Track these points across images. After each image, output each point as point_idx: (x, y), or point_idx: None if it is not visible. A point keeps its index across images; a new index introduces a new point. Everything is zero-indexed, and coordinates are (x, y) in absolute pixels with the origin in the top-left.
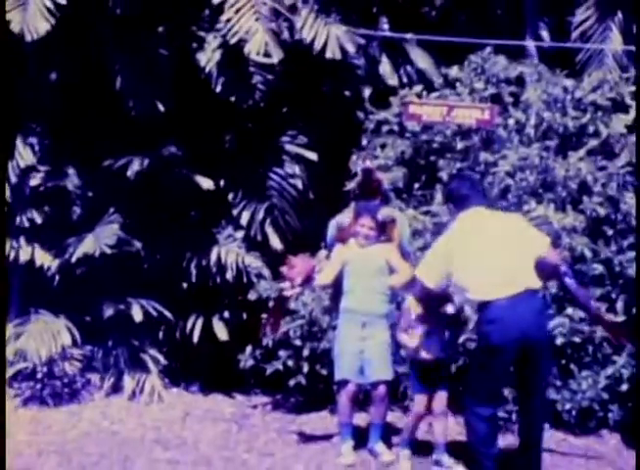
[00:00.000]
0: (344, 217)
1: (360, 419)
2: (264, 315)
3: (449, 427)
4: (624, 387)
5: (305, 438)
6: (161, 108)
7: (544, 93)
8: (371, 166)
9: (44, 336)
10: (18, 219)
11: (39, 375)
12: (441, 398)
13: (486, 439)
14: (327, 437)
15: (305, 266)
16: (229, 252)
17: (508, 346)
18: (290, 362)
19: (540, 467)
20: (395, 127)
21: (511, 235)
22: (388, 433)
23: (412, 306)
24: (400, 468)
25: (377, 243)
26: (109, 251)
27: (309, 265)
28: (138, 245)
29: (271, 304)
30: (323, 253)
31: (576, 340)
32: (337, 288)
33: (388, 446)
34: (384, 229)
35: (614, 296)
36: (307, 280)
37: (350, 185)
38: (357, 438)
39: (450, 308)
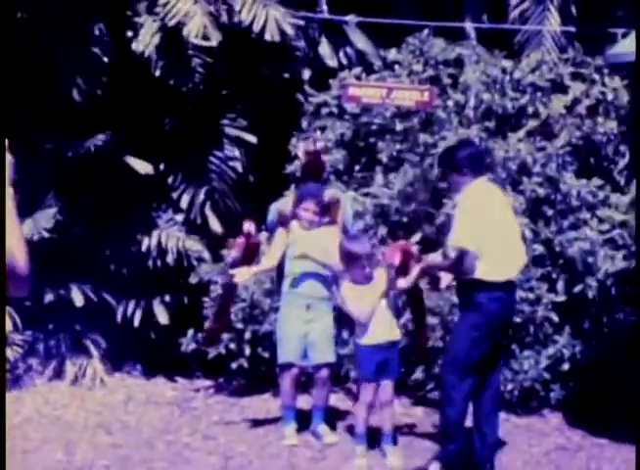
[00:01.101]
0: (286, 203)
1: (303, 402)
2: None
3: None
4: (566, 366)
5: (248, 421)
6: (100, 92)
7: (483, 74)
8: (318, 149)
9: None
10: None
11: None
12: (387, 386)
13: (464, 416)
14: (270, 420)
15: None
16: (170, 235)
17: (503, 324)
18: (232, 345)
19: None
20: (335, 110)
21: (511, 212)
22: (330, 415)
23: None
24: (356, 466)
25: (320, 226)
26: (47, 235)
27: (255, 242)
28: (77, 229)
29: (214, 308)
30: (264, 235)
31: (517, 320)
32: (278, 271)
33: (331, 428)
34: (327, 212)
35: (554, 276)
36: (252, 256)
37: (290, 168)
38: (300, 420)
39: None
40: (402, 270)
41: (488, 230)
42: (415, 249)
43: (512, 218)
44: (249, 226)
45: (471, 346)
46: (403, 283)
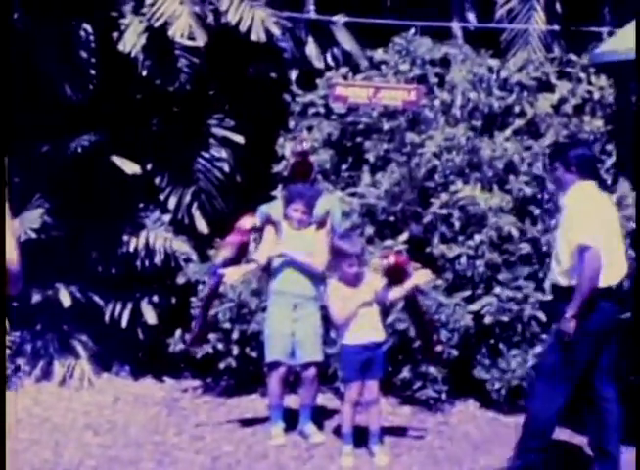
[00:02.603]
0: (274, 205)
1: (291, 401)
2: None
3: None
4: None
5: (236, 421)
6: (86, 93)
7: (469, 73)
8: (307, 149)
9: None
10: None
11: None
12: (373, 386)
13: (552, 428)
14: (257, 419)
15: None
16: (157, 236)
17: (603, 334)
18: (219, 345)
19: None
20: (322, 109)
21: (617, 220)
22: (318, 414)
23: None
24: (343, 465)
25: (309, 226)
26: (34, 235)
27: (245, 239)
28: (65, 230)
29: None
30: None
31: (505, 319)
32: (265, 270)
33: (319, 428)
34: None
35: (541, 275)
36: (243, 256)
37: (278, 168)
38: (288, 420)
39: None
40: (395, 281)
41: (600, 232)
42: (411, 266)
43: (617, 226)
44: (246, 223)
45: (565, 357)
46: (395, 294)
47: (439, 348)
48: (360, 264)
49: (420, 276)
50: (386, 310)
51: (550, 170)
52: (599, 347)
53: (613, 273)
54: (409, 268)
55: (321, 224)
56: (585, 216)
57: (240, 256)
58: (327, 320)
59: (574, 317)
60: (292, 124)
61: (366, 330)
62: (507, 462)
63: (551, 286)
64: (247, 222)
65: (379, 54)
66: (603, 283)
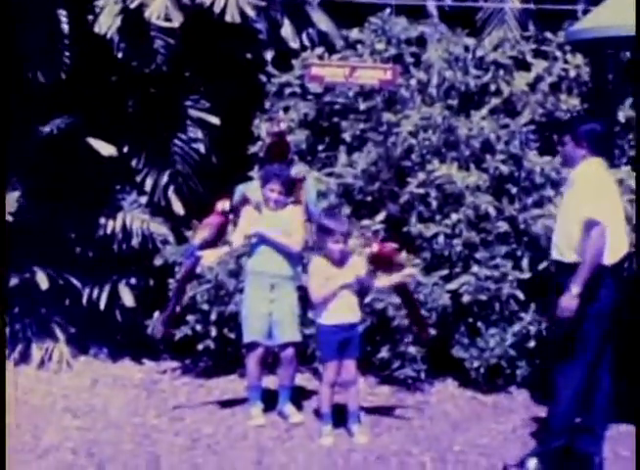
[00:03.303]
0: (252, 186)
1: (269, 382)
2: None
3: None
4: (532, 343)
5: (215, 402)
6: (62, 74)
7: (445, 52)
8: (283, 129)
9: None
10: None
11: None
12: (350, 366)
13: (574, 413)
14: (236, 400)
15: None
16: (134, 218)
17: (612, 314)
18: (198, 327)
19: None
20: (298, 90)
21: (619, 199)
22: (296, 395)
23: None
24: (322, 445)
25: (285, 206)
26: (11, 218)
27: (223, 220)
28: (41, 212)
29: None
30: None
31: (483, 298)
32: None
33: (298, 408)
34: (292, 192)
35: (519, 253)
36: (220, 237)
37: (254, 148)
38: (267, 400)
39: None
40: (380, 268)
41: (607, 209)
42: (401, 257)
43: (620, 204)
44: (223, 205)
45: (580, 339)
46: (384, 281)
47: (431, 330)
48: (346, 243)
49: (407, 274)
50: (364, 291)
51: (559, 145)
52: (605, 327)
53: (615, 251)
54: (396, 258)
55: (295, 202)
56: (594, 192)
57: (218, 237)
58: (305, 300)
59: (579, 295)
60: (268, 105)
61: (343, 311)
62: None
63: (554, 262)
64: (225, 204)
65: (354, 34)
66: (606, 261)
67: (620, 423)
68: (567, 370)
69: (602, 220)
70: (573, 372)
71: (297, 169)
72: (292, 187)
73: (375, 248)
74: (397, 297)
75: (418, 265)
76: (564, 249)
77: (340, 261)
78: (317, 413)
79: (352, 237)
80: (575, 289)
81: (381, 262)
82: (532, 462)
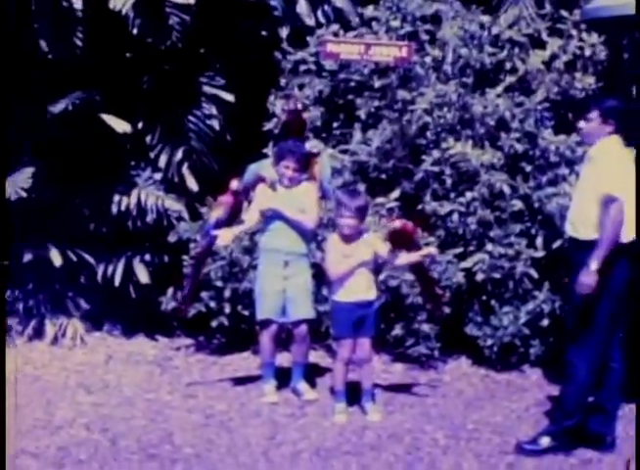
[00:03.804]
0: (264, 165)
1: (283, 359)
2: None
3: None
4: (545, 322)
5: (228, 379)
6: (76, 50)
7: (461, 30)
8: (299, 107)
9: None
10: None
11: None
12: (365, 344)
13: (588, 393)
14: (250, 377)
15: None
16: (149, 195)
17: (626, 291)
18: (212, 304)
19: None
20: (313, 67)
21: (633, 174)
22: (310, 372)
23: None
24: (336, 422)
25: (300, 183)
26: (25, 195)
27: (237, 199)
28: (55, 189)
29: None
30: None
31: (497, 276)
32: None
33: (311, 385)
34: (306, 169)
35: (533, 232)
36: (236, 216)
37: (268, 125)
38: (280, 378)
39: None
40: (398, 246)
41: (624, 186)
42: (418, 234)
43: (634, 183)
44: (236, 184)
45: (595, 317)
46: (403, 260)
47: (445, 308)
48: (360, 220)
49: (426, 253)
50: (378, 268)
51: (584, 120)
52: (618, 305)
53: (631, 229)
54: (416, 236)
55: (310, 179)
56: (615, 169)
57: (232, 216)
58: (318, 277)
59: (598, 271)
60: (283, 82)
61: (360, 288)
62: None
63: (569, 239)
64: (239, 183)
65: (370, 11)
66: (623, 238)
67: (632, 402)
68: (581, 349)
69: (620, 197)
70: (587, 351)
71: (312, 145)
72: (306, 164)
73: (398, 224)
74: (412, 274)
75: (432, 243)
76: (579, 226)
77: (353, 237)
78: (331, 391)
79: (369, 213)
80: (594, 265)
81: (400, 240)
82: (545, 440)
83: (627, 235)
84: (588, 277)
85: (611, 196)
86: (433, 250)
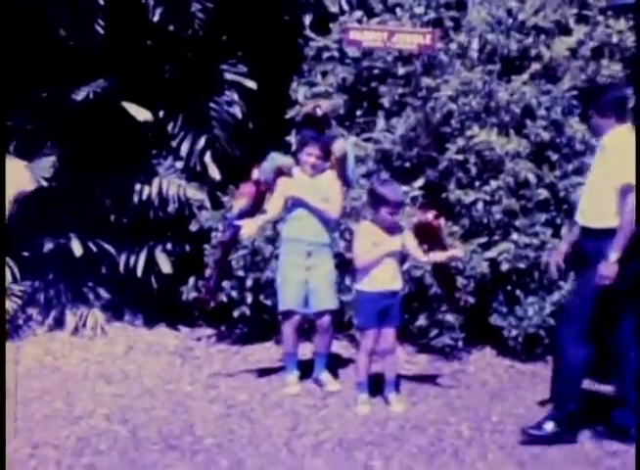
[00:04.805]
0: (284, 157)
1: (306, 349)
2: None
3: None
4: None
5: (250, 369)
6: (97, 38)
7: (488, 15)
8: (322, 114)
9: None
10: None
11: None
12: (389, 334)
13: (582, 375)
14: (272, 368)
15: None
16: (170, 183)
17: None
18: (233, 293)
19: None
20: (336, 54)
21: None
22: (333, 363)
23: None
24: (359, 413)
25: (324, 171)
26: (46, 184)
27: (260, 189)
28: (76, 178)
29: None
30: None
31: (522, 266)
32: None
33: (334, 376)
34: (329, 156)
35: (558, 221)
36: (259, 206)
37: (291, 113)
38: (303, 368)
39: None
40: (421, 238)
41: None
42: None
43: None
44: (257, 173)
45: (594, 302)
46: (430, 258)
47: (469, 298)
48: (399, 214)
49: (452, 255)
50: (403, 258)
51: (588, 117)
52: (631, 298)
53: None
54: (441, 233)
55: (333, 167)
56: (629, 158)
57: (256, 207)
58: (342, 267)
59: (618, 261)
60: (305, 69)
61: (386, 278)
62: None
63: (582, 229)
64: (260, 172)
65: None
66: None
67: None
68: (575, 337)
69: (636, 186)
70: (582, 339)
71: (342, 145)
72: (329, 151)
73: (430, 217)
74: (432, 268)
75: (456, 233)
76: (591, 215)
77: (391, 230)
78: (353, 381)
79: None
80: (615, 255)
81: (426, 234)
82: (549, 425)
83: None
84: (609, 269)
85: (629, 185)
86: (459, 252)
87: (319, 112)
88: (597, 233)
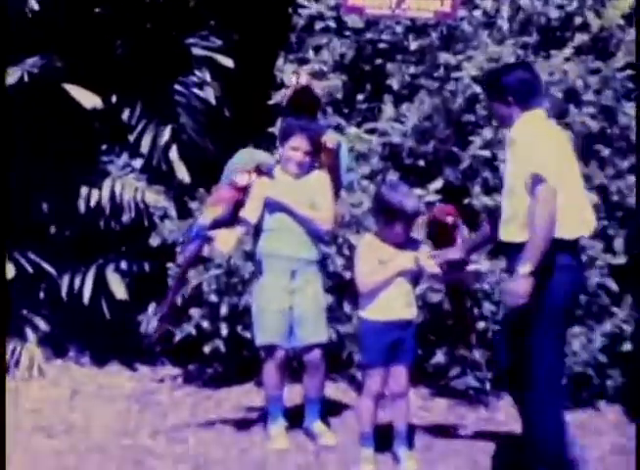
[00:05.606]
0: (262, 153)
1: (294, 393)
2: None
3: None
4: (627, 346)
5: (226, 418)
6: (35, 6)
7: None
8: (305, 82)
9: None
10: None
11: None
12: (400, 373)
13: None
14: (252, 417)
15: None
16: (125, 186)
17: (572, 303)
18: (204, 324)
19: None
20: (332, 24)
21: (573, 156)
22: (328, 409)
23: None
24: None
25: (311, 171)
26: None
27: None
28: (8, 179)
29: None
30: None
31: None
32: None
33: (330, 427)
34: (319, 152)
35: (611, 232)
36: (237, 215)
37: (276, 97)
38: (291, 417)
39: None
40: (434, 240)
41: (555, 167)
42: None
43: (576, 166)
44: (241, 176)
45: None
46: (450, 254)
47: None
48: (413, 227)
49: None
50: (416, 279)
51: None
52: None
53: (581, 223)
54: (457, 234)
55: (322, 166)
56: (537, 147)
57: (234, 217)
58: (338, 291)
59: (531, 274)
60: (294, 42)
61: (397, 304)
62: None
63: (503, 246)
64: (244, 177)
65: None
66: (564, 233)
67: None
68: (525, 389)
69: (548, 179)
70: (535, 391)
71: (334, 136)
72: (320, 146)
73: (441, 212)
74: (446, 289)
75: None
76: (511, 226)
77: (402, 245)
78: (354, 433)
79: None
80: (524, 268)
81: (440, 235)
82: None
83: (571, 230)
84: (518, 284)
85: (537, 175)
86: (480, 267)
87: (303, 78)
88: (521, 249)
